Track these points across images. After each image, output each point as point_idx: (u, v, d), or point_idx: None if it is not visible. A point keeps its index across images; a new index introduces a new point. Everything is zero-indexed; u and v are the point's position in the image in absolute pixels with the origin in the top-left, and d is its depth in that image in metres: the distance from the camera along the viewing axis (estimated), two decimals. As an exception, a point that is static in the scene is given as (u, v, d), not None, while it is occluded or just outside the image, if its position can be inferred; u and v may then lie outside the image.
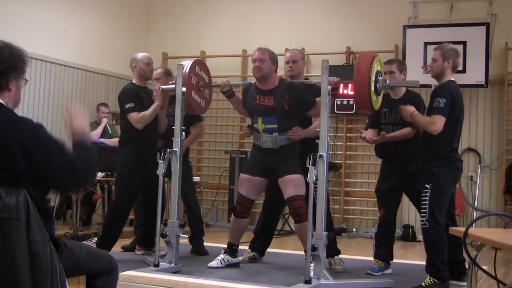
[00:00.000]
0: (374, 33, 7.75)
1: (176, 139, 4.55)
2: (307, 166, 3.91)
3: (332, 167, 7.43)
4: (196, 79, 4.78)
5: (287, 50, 8.09)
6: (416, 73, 6.09)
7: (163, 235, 4.42)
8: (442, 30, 7.23)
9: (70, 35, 7.78)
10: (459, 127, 4.21)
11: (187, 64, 4.73)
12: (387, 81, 4.32)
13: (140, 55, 5.08)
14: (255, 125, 4.51)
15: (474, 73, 7.08)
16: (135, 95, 4.92)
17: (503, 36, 7.27)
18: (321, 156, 3.94)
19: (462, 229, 2.41)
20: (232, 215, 4.66)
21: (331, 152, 7.61)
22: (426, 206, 4.02)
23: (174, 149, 4.52)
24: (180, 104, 4.59)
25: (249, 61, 8.48)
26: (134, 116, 4.84)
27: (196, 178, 7.74)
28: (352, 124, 7.83)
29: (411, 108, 4.27)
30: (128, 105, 4.88)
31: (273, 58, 4.48)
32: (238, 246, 4.71)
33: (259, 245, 5.02)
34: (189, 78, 4.68)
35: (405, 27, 7.36)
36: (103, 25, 8.34)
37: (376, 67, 4.18)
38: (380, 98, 4.35)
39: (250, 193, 4.57)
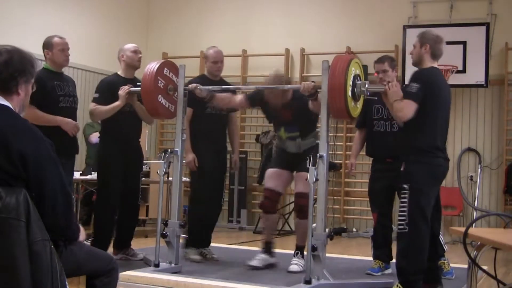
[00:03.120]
0: (374, 33, 7.75)
1: (178, 139, 4.56)
2: (307, 166, 3.89)
3: (332, 167, 7.42)
4: (164, 82, 4.57)
5: (287, 50, 8.27)
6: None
7: (164, 235, 4.39)
8: (442, 30, 7.14)
9: (70, 36, 7.67)
10: (442, 120, 3.83)
11: (154, 65, 4.53)
12: (366, 85, 4.01)
13: (128, 45, 4.98)
14: (278, 132, 4.70)
15: (474, 73, 7.08)
16: (108, 87, 4.78)
17: (503, 36, 7.26)
18: (321, 157, 3.94)
19: (462, 229, 2.41)
20: (262, 213, 4.73)
21: (331, 152, 7.62)
22: (406, 209, 3.68)
23: (175, 149, 4.51)
24: (181, 105, 4.56)
25: (249, 61, 8.53)
26: (90, 106, 4.75)
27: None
28: (352, 124, 7.82)
29: (397, 88, 3.81)
30: (95, 95, 4.82)
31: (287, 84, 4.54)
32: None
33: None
34: (155, 81, 4.49)
35: (405, 27, 7.36)
36: (103, 25, 8.34)
37: (354, 70, 3.97)
38: (360, 104, 4.14)
39: (278, 185, 4.61)
